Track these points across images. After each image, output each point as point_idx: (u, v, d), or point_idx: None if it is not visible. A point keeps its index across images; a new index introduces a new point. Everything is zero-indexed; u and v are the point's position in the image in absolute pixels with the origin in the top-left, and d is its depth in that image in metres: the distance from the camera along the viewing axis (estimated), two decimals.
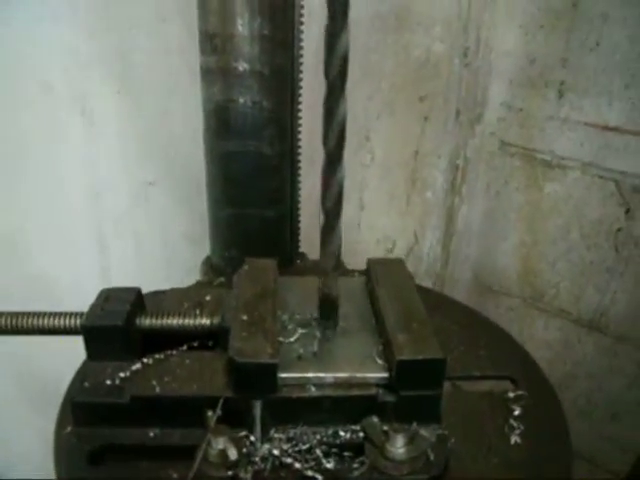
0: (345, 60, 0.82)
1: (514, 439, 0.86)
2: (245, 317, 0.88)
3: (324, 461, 0.81)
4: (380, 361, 0.87)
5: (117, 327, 0.87)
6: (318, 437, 0.84)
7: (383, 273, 1.03)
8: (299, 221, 1.51)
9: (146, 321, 0.92)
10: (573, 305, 1.99)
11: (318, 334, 0.94)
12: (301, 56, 1.33)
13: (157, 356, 0.89)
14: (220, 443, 0.75)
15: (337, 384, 0.85)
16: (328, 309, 0.96)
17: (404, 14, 1.93)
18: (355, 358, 0.88)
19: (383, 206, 2.20)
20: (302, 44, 1.32)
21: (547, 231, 2.01)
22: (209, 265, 1.52)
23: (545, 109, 1.90)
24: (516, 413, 0.90)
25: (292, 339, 0.92)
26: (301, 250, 1.57)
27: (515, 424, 0.88)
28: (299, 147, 1.41)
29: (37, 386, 1.83)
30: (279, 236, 1.45)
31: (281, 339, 0.91)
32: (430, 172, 2.10)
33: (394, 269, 1.04)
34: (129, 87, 1.87)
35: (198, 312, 0.94)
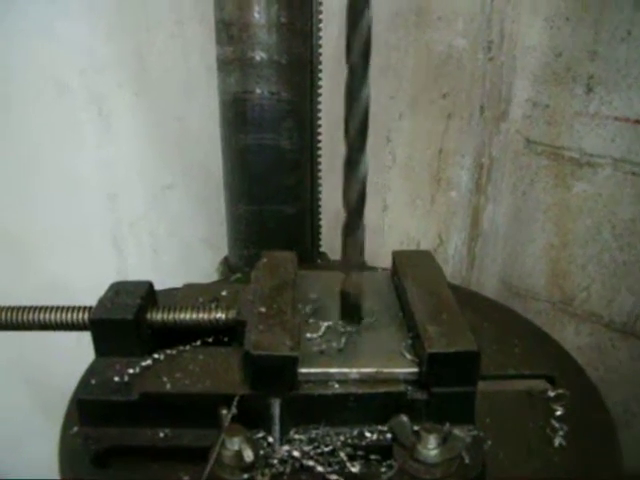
0: (368, 39, 0.77)
1: (558, 441, 0.78)
2: (263, 309, 0.82)
3: (349, 464, 0.74)
4: (409, 356, 0.81)
5: (127, 321, 0.81)
6: (342, 438, 0.77)
7: (410, 265, 0.96)
8: (320, 219, 1.45)
9: (158, 315, 0.86)
10: (605, 309, 1.90)
11: (342, 329, 0.87)
12: (320, 46, 1.29)
13: (169, 352, 0.83)
14: (235, 444, 0.69)
15: (362, 380, 0.78)
16: (351, 308, 0.90)
17: (425, 9, 1.88)
18: (382, 353, 0.82)
19: (406, 207, 2.13)
20: (321, 34, 1.28)
21: (577, 232, 1.92)
22: (227, 265, 1.47)
23: (573, 105, 1.82)
24: (558, 413, 0.82)
25: (314, 334, 0.85)
26: (322, 250, 1.52)
27: (557, 425, 0.80)
28: (319, 141, 1.37)
29: (52, 393, 1.79)
30: (299, 234, 1.39)
31: (306, 335, 0.85)
32: (454, 171, 2.04)
33: (421, 261, 0.98)
34: (147, 89, 1.85)
35: (213, 306, 0.89)
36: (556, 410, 0.83)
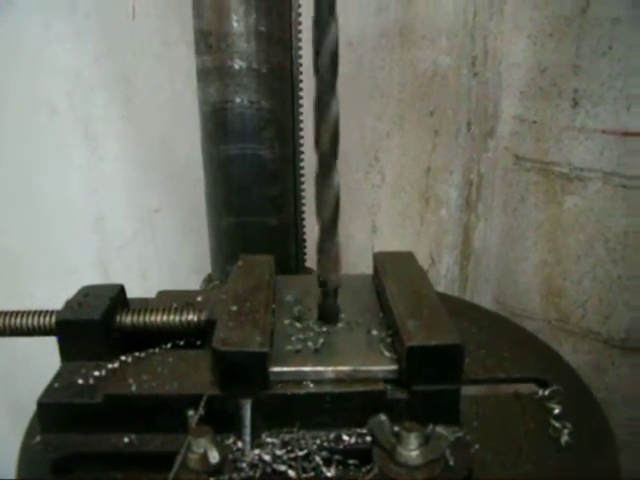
0: (335, 51, 0.75)
1: (564, 440, 0.73)
2: (234, 308, 0.79)
3: (324, 469, 0.69)
4: (388, 353, 0.77)
5: (94, 322, 0.78)
6: (318, 442, 0.72)
7: (391, 265, 0.93)
8: (305, 232, 1.42)
9: (127, 318, 0.83)
10: (602, 325, 1.85)
11: (319, 329, 0.84)
12: (301, 56, 1.28)
13: (137, 354, 0.79)
14: (201, 446, 0.64)
15: (339, 379, 0.74)
16: (328, 309, 0.86)
17: (408, 28, 1.90)
18: (360, 351, 0.78)
19: (396, 227, 2.11)
20: (301, 44, 1.28)
21: (569, 248, 1.90)
22: (210, 282, 1.43)
23: (560, 119, 1.82)
24: (557, 412, 0.78)
25: (289, 334, 0.81)
26: (308, 265, 1.48)
27: (558, 424, 0.75)
28: (302, 152, 1.35)
29: None
30: (283, 247, 1.36)
31: (281, 334, 0.81)
32: (443, 189, 2.02)
33: (403, 261, 0.95)
34: (133, 111, 1.84)
35: (185, 309, 0.85)
36: (553, 409, 0.78)
